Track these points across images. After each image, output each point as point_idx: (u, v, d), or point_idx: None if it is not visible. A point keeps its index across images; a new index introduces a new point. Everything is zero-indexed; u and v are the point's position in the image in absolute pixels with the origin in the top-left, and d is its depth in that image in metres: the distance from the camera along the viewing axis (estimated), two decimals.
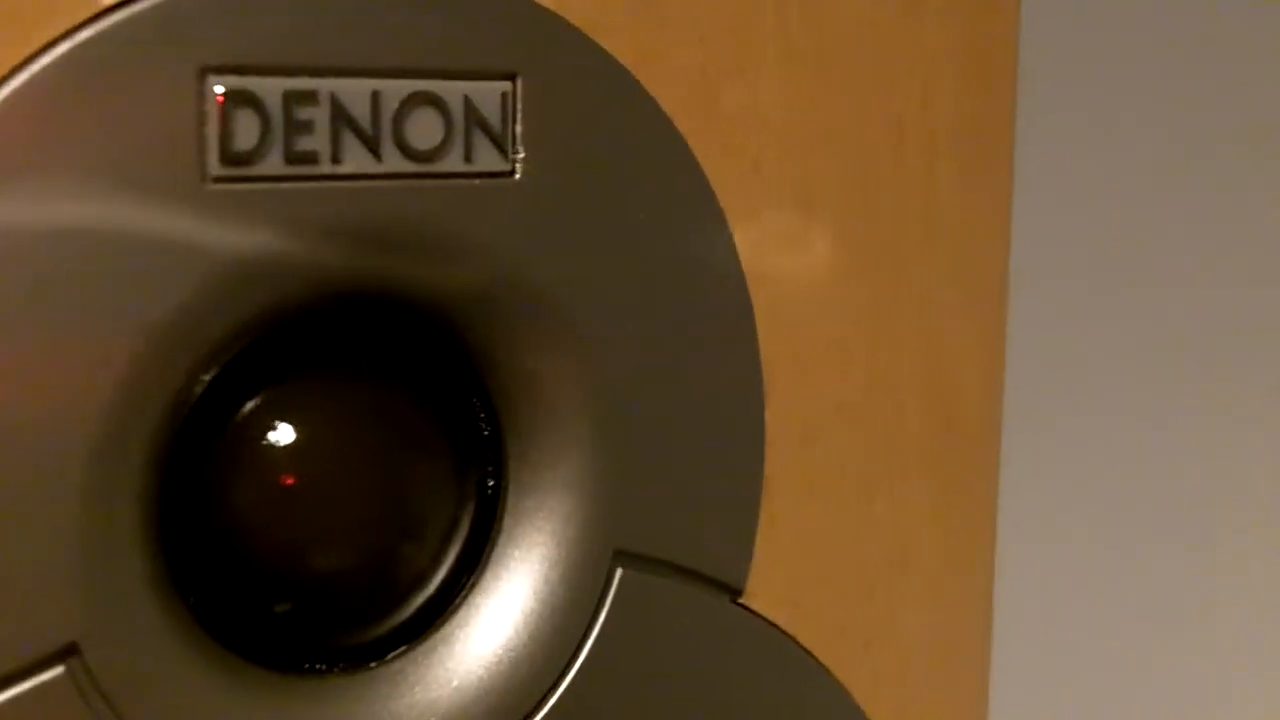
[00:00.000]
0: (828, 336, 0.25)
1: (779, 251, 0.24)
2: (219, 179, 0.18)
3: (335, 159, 0.19)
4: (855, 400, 0.25)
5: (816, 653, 0.25)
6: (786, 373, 0.24)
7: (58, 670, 0.18)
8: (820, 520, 0.25)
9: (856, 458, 0.26)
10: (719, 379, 0.23)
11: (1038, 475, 0.52)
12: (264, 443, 0.20)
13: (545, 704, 0.22)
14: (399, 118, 0.20)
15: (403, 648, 0.22)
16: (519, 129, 0.21)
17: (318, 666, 0.21)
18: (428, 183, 0.20)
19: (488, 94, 0.20)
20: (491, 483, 0.22)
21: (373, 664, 0.21)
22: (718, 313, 0.23)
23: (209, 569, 0.20)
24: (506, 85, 0.21)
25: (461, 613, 0.22)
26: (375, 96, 0.20)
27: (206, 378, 0.19)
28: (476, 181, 0.20)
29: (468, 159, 0.20)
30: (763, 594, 0.25)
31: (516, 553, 0.22)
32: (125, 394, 0.18)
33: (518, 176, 0.21)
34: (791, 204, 0.24)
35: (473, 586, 0.22)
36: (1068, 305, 0.51)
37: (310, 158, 0.19)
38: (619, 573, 0.22)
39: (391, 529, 0.21)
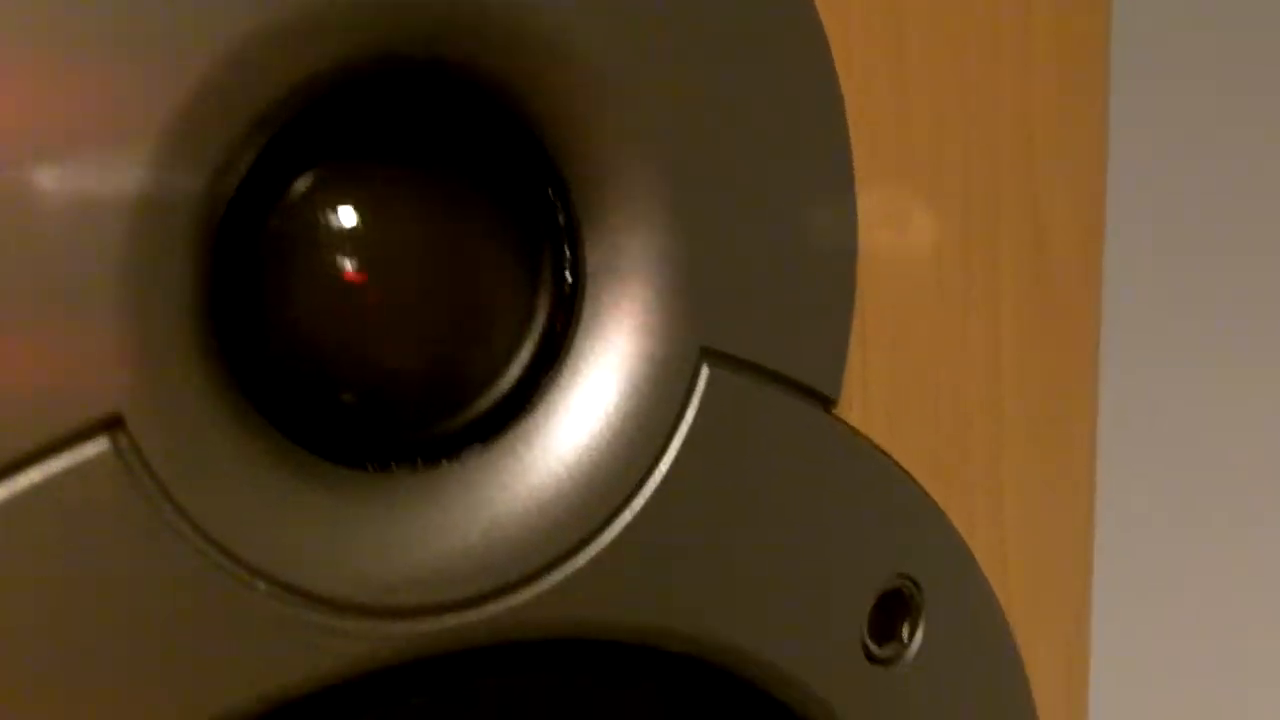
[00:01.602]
0: (921, 142, 0.23)
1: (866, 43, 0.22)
2: None
3: None
4: (952, 217, 0.24)
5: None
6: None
7: (101, 443, 0.17)
8: (914, 338, 0.24)
9: (952, 274, 0.24)
10: (807, 168, 0.21)
11: (1139, 311, 0.50)
12: (323, 224, 0.19)
13: (629, 506, 0.20)
14: None
15: (478, 445, 0.20)
16: None
17: (387, 463, 0.20)
18: None
19: None
20: (569, 272, 0.21)
21: (445, 461, 0.20)
22: (804, 93, 0.21)
23: (268, 358, 0.19)
24: None
25: (540, 410, 0.20)
26: None
27: (262, 139, 0.18)
28: None
29: None
30: (857, 409, 0.23)
31: (596, 346, 0.20)
32: (171, 146, 0.17)
33: None
34: None
35: (551, 383, 0.20)
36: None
37: None
38: (705, 371, 0.21)
39: (461, 318, 0.20)
